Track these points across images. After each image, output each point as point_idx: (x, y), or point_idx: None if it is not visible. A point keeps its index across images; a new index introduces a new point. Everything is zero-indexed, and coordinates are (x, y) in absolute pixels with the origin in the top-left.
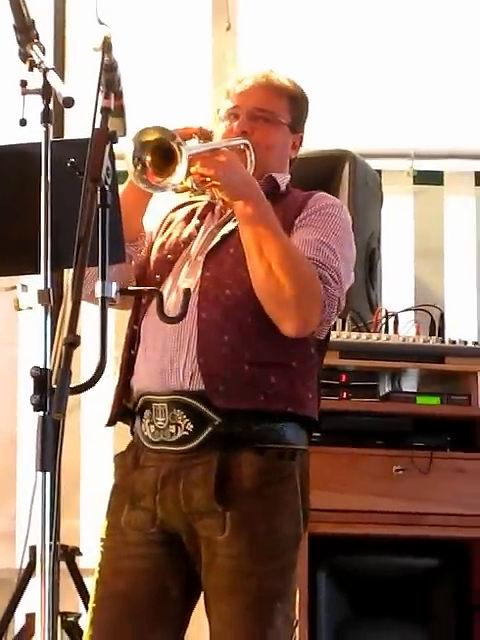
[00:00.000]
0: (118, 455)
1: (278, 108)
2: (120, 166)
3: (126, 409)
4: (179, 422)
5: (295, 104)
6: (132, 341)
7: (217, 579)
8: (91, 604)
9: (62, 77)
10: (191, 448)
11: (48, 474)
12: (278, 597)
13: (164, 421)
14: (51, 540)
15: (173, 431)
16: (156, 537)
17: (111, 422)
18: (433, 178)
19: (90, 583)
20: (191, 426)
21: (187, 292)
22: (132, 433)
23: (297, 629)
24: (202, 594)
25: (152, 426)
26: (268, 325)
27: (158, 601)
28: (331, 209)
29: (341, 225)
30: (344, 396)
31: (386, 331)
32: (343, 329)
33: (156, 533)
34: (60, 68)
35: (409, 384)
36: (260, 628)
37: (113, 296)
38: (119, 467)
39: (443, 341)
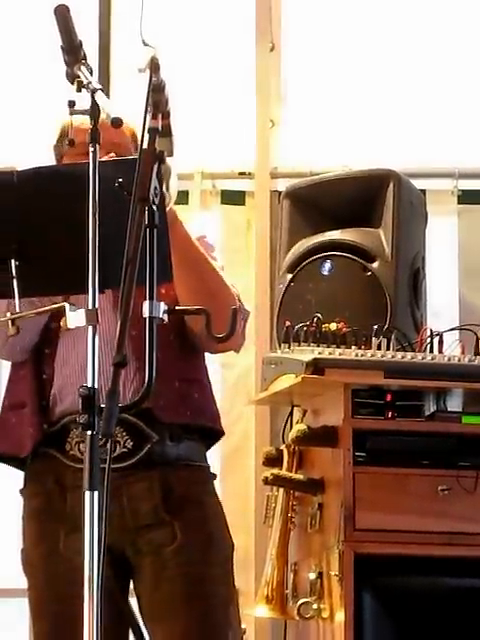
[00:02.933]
0: (29, 484)
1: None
2: (181, 186)
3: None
4: (118, 439)
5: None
6: (40, 365)
7: (171, 588)
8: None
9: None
10: (131, 464)
11: (96, 494)
12: (231, 601)
13: (100, 439)
14: (99, 561)
15: (110, 448)
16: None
17: (31, 454)
18: (478, 197)
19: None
20: (131, 443)
21: (234, 311)
22: (42, 459)
23: None
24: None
25: (83, 444)
26: (186, 342)
27: (118, 622)
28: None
29: None
30: (389, 416)
31: (431, 350)
32: (388, 349)
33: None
34: (105, 89)
35: (454, 403)
36: (223, 631)
37: (161, 316)
38: (38, 494)
39: None
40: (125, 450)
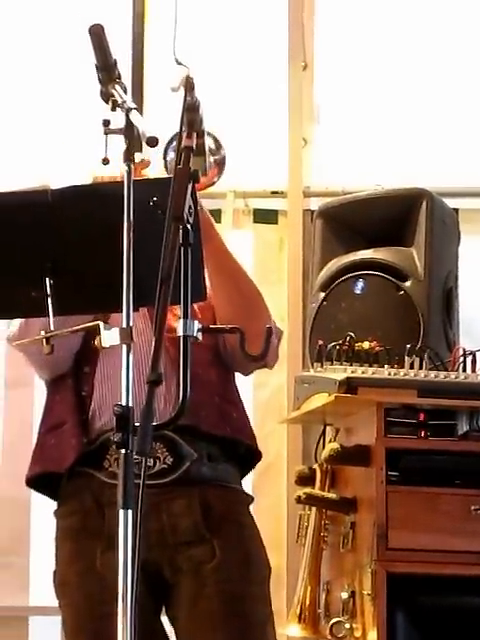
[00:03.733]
0: (64, 503)
1: None
2: (214, 205)
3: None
4: (158, 455)
5: None
6: (79, 384)
7: (209, 606)
8: None
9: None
10: (170, 481)
11: (130, 512)
12: (268, 621)
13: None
14: (134, 579)
15: (151, 464)
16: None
17: (68, 473)
18: None
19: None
20: (171, 459)
21: (269, 330)
22: (79, 477)
23: None
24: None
25: None
26: (221, 363)
27: None
28: None
29: None
30: (422, 435)
31: (464, 369)
32: (421, 368)
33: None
34: (139, 108)
35: None
36: None
37: (195, 334)
38: (74, 513)
39: None
40: (165, 466)
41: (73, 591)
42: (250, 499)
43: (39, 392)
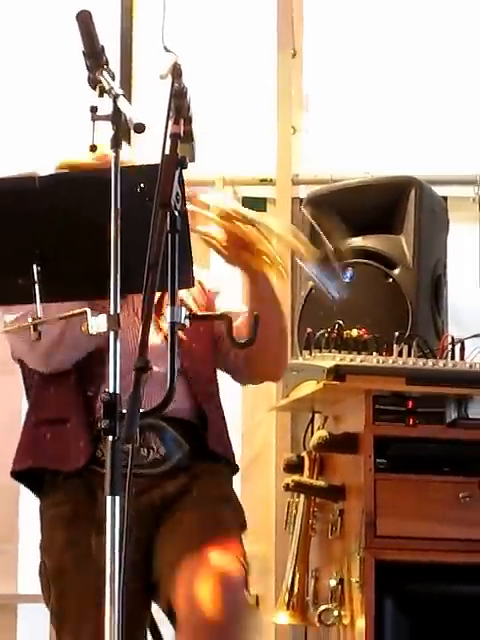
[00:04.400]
0: (52, 493)
1: None
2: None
3: None
4: (152, 445)
5: None
6: (85, 383)
7: (182, 516)
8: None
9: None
10: (163, 471)
11: (117, 499)
12: (238, 537)
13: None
14: (120, 566)
15: (144, 454)
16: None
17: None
18: None
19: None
20: (163, 450)
21: (257, 318)
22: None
23: None
24: None
25: None
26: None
27: (137, 624)
28: None
29: None
30: (410, 422)
31: (452, 357)
32: (409, 355)
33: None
34: (127, 94)
35: (476, 410)
36: (231, 541)
37: (182, 321)
38: (66, 502)
39: None
40: (158, 456)
41: (72, 578)
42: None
43: None
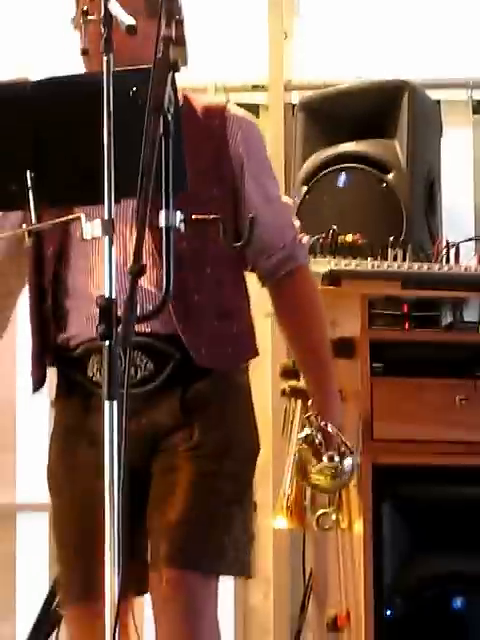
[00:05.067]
0: (60, 399)
1: None
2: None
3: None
4: (138, 364)
5: None
6: (43, 293)
7: (177, 478)
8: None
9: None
10: (153, 388)
11: (115, 403)
12: (236, 500)
13: (120, 365)
14: (120, 477)
15: (132, 373)
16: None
17: (38, 386)
18: None
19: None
20: (151, 366)
21: (252, 220)
22: (69, 380)
23: (361, 558)
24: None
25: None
26: (230, 271)
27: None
28: (263, 146)
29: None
30: (406, 327)
31: (447, 261)
32: (404, 260)
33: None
34: None
35: (471, 314)
36: (217, 533)
37: (177, 225)
38: (66, 408)
39: None
40: (146, 373)
41: (61, 483)
42: (245, 376)
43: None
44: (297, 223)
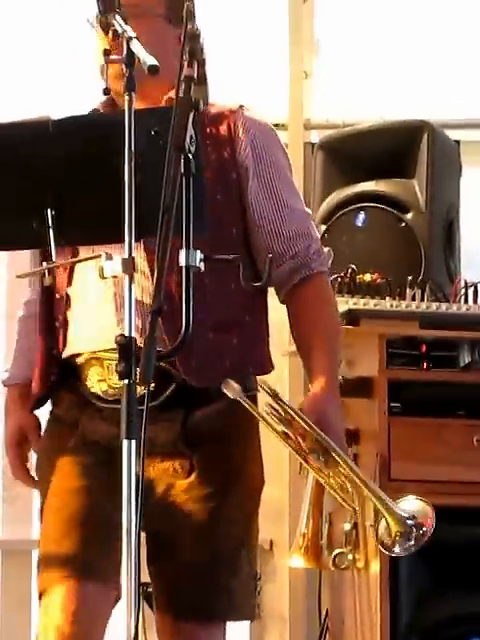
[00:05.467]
0: (59, 396)
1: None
2: None
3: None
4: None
5: None
6: (51, 306)
7: (179, 524)
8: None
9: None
10: (153, 406)
11: (133, 443)
12: (242, 545)
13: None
14: (137, 509)
15: None
16: (110, 465)
17: (41, 402)
18: None
19: None
20: (153, 384)
21: (270, 260)
22: (57, 393)
23: (378, 598)
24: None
25: (104, 384)
26: (224, 282)
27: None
28: (279, 151)
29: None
30: (424, 367)
31: (465, 301)
32: (422, 299)
33: (111, 463)
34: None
35: None
36: (225, 578)
37: (197, 265)
38: (62, 402)
39: None
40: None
41: (45, 469)
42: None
43: None
44: (316, 234)
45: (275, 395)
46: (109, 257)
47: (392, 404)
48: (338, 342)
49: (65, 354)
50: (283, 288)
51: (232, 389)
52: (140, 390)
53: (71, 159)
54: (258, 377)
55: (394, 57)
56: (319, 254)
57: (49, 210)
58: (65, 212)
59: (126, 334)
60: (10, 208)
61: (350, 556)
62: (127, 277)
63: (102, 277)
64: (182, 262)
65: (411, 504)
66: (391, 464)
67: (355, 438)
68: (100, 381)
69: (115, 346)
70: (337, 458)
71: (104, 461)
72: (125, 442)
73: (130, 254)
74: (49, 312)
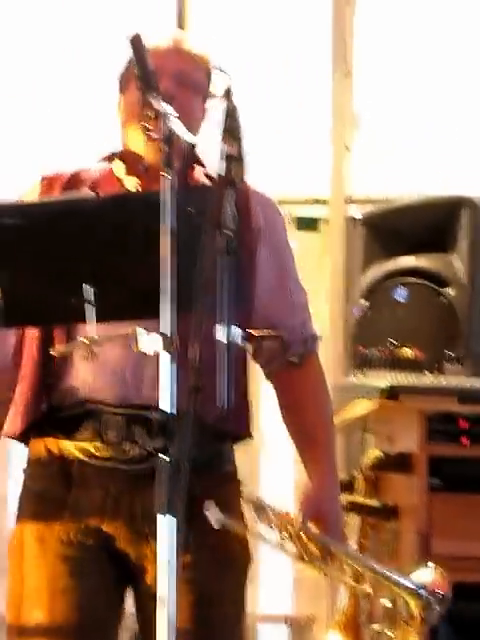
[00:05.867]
0: (34, 462)
1: (202, 75)
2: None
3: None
4: (136, 439)
5: (210, 71)
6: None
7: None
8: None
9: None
10: (147, 468)
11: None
12: (238, 622)
13: (117, 436)
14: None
15: (127, 448)
16: (100, 554)
17: (24, 435)
18: None
19: None
20: (150, 445)
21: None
22: (35, 443)
23: None
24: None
25: (98, 440)
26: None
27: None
28: (284, 226)
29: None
30: (463, 443)
31: None
32: (462, 375)
33: (101, 551)
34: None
35: None
36: None
37: (239, 341)
38: (41, 477)
39: None
40: (143, 452)
41: (29, 553)
42: (237, 482)
43: None
44: (310, 311)
45: (260, 507)
46: (146, 333)
47: (432, 480)
48: (334, 430)
49: (55, 400)
50: (274, 362)
51: (215, 515)
52: (129, 450)
53: (110, 235)
54: (242, 489)
55: (435, 132)
56: (315, 333)
57: (87, 285)
58: (103, 287)
59: (165, 411)
60: (48, 283)
61: (389, 633)
62: (168, 355)
63: (137, 351)
64: (221, 338)
65: (422, 574)
66: (431, 541)
67: (395, 514)
68: (93, 436)
69: (122, 402)
70: (336, 553)
71: (97, 547)
72: (160, 517)
73: (171, 331)
74: (46, 353)
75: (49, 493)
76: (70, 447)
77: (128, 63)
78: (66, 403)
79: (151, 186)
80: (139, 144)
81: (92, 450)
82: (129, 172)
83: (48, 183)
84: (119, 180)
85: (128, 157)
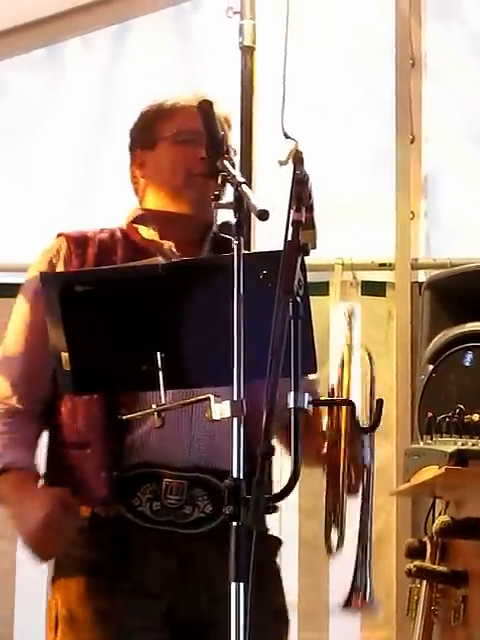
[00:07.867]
0: (86, 530)
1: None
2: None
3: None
4: (197, 502)
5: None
6: (116, 405)
7: None
8: None
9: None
10: (207, 531)
11: (242, 585)
12: None
13: (179, 500)
14: None
15: (188, 512)
16: (164, 624)
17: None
18: None
19: None
20: (210, 508)
21: (380, 402)
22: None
23: None
24: None
25: (157, 503)
26: None
27: None
28: None
29: None
30: None
31: None
32: None
33: (165, 621)
34: (248, 181)
35: None
36: None
37: (306, 407)
38: (92, 543)
39: None
40: (202, 515)
41: (86, 632)
42: (279, 543)
43: None
44: None
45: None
46: (218, 400)
47: None
48: None
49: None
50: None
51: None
52: (190, 514)
53: (180, 302)
54: None
55: None
56: None
57: (158, 352)
58: (174, 354)
59: (234, 476)
60: (120, 351)
61: None
62: (236, 420)
63: (210, 420)
64: (290, 404)
65: None
66: None
67: (464, 580)
68: (152, 500)
69: (179, 465)
70: None
71: (160, 614)
72: (233, 585)
73: (240, 396)
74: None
75: (103, 562)
76: (122, 510)
77: (145, 119)
78: (125, 465)
79: (183, 249)
80: (177, 204)
81: (149, 514)
82: (163, 236)
83: (75, 241)
84: (151, 241)
85: (159, 218)
